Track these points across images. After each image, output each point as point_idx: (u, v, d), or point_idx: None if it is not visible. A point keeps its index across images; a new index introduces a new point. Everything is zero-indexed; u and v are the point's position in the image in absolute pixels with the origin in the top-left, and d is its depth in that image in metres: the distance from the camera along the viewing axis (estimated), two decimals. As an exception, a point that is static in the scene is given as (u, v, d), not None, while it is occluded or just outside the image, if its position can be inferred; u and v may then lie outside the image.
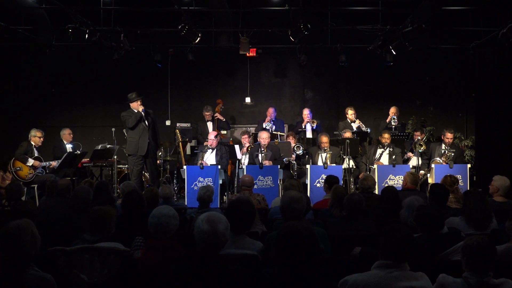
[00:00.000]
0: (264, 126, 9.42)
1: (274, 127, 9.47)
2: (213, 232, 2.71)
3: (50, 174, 8.10)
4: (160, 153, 9.37)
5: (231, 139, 10.26)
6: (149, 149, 8.12)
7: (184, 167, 7.93)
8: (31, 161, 8.03)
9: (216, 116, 9.72)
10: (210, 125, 9.80)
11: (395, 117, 9.32)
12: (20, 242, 2.72)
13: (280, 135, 9.39)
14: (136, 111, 8.10)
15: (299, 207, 3.72)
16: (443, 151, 8.38)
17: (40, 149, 8.41)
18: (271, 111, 9.74)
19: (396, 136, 9.01)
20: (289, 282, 2.60)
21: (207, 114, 9.77)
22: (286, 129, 10.64)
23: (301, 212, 3.78)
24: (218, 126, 9.81)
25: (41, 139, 8.34)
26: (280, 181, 7.80)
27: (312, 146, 8.87)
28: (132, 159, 8.09)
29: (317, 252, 2.69)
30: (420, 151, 8.26)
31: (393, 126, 9.30)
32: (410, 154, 8.62)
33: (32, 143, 8.25)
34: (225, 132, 10.19)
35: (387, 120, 9.46)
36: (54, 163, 8.24)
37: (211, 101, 9.99)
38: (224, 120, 9.93)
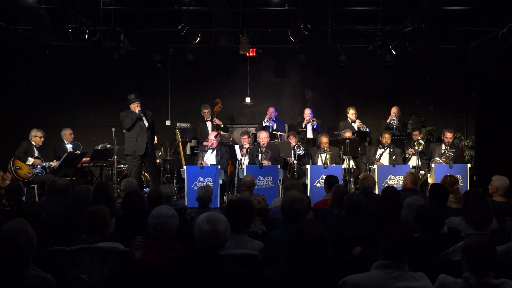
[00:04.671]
0: (263, 124, 9.39)
1: (275, 125, 9.44)
2: (214, 232, 2.71)
3: (50, 174, 8.10)
4: (160, 153, 9.36)
5: (230, 139, 10.24)
6: (148, 149, 8.04)
7: (184, 167, 7.93)
8: (31, 160, 8.03)
9: (214, 121, 9.64)
10: (209, 125, 9.74)
11: (394, 118, 9.31)
12: (16, 244, 2.71)
13: (280, 135, 9.37)
14: (134, 112, 8.06)
15: (300, 207, 3.71)
16: (443, 151, 8.38)
17: (41, 149, 8.41)
18: (271, 110, 9.70)
19: (396, 136, 9.00)
20: (292, 281, 2.60)
21: (206, 111, 9.71)
22: (286, 128, 10.63)
23: (302, 212, 3.77)
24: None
25: (42, 139, 8.34)
26: (280, 181, 7.80)
27: (312, 146, 8.87)
28: (130, 159, 7.97)
29: (326, 255, 2.68)
30: (419, 150, 8.26)
31: (394, 126, 9.30)
32: (410, 150, 8.57)
33: (33, 143, 8.26)
34: (224, 132, 10.13)
35: (388, 120, 9.45)
36: (54, 163, 8.25)
37: (211, 101, 9.98)
38: (223, 125, 9.79)
